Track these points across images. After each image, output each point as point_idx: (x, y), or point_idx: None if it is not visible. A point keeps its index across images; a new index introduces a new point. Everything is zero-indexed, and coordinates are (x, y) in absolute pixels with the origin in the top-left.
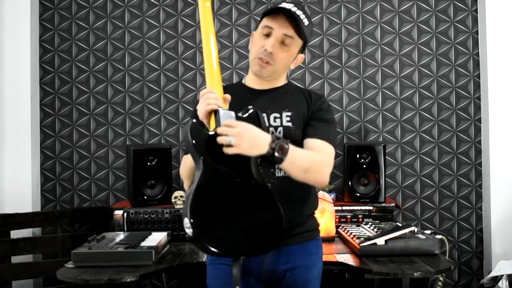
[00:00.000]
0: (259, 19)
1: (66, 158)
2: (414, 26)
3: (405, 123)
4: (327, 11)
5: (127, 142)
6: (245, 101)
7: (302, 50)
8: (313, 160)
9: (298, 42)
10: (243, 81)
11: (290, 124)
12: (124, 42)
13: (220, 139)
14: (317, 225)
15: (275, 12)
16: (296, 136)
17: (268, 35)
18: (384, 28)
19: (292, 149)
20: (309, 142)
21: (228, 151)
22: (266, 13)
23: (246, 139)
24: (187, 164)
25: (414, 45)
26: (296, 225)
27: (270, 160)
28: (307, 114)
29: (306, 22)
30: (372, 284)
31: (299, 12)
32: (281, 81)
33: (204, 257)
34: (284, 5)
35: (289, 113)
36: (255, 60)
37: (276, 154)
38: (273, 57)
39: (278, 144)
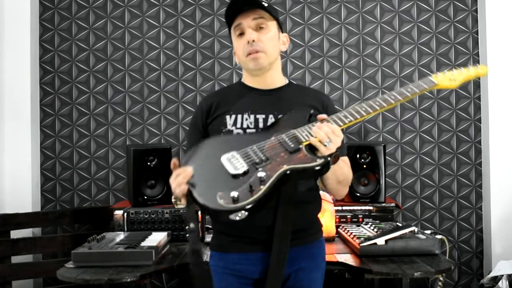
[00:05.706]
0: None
1: (66, 158)
2: (414, 26)
3: (405, 123)
4: (327, 11)
5: (127, 142)
6: (248, 100)
7: (281, 30)
8: (348, 176)
9: (271, 21)
10: (241, 80)
11: None
12: (124, 42)
13: (319, 144)
14: (321, 226)
15: (232, 9)
16: None
17: (242, 33)
18: (384, 28)
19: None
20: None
21: (326, 151)
22: (227, 17)
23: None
24: None
25: (414, 45)
26: (301, 228)
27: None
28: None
29: (265, 2)
30: (372, 284)
31: None
32: (281, 80)
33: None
34: None
35: None
36: (247, 58)
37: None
38: (259, 43)
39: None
